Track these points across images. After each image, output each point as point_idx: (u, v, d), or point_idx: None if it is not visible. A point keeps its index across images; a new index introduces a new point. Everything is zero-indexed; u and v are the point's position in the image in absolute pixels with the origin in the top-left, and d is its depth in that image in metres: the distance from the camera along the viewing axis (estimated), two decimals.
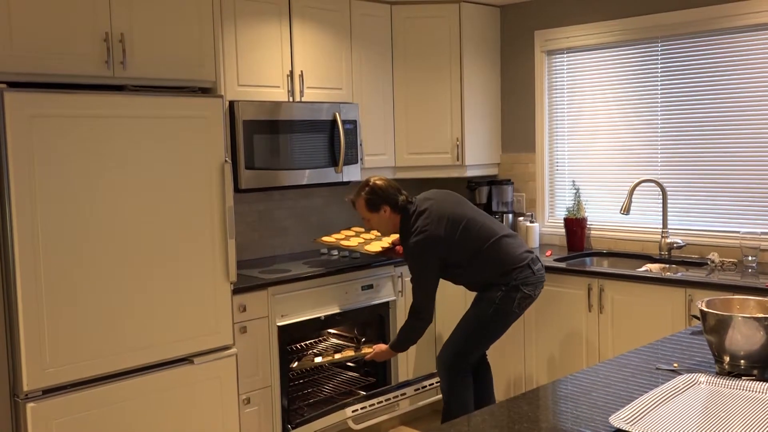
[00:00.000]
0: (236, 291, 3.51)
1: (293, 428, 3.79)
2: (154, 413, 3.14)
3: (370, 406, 3.83)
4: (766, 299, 2.06)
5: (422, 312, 3.59)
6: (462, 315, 3.66)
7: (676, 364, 2.04)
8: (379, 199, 3.65)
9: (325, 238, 4.27)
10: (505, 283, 3.50)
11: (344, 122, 4.19)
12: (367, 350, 3.94)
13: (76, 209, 2.90)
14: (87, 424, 2.95)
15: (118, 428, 3.04)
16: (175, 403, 3.21)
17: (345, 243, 4.19)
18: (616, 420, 1.58)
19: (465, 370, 3.59)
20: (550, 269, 4.02)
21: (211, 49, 3.37)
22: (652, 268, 4.10)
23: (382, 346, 3.87)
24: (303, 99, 4.11)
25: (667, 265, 4.14)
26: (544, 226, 4.86)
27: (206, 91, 3.39)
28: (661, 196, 4.27)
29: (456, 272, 3.62)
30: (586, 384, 1.95)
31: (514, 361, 4.23)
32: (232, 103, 3.78)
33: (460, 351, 3.57)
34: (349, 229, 4.54)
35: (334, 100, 4.26)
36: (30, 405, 2.81)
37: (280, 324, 3.75)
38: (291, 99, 4.06)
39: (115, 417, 3.03)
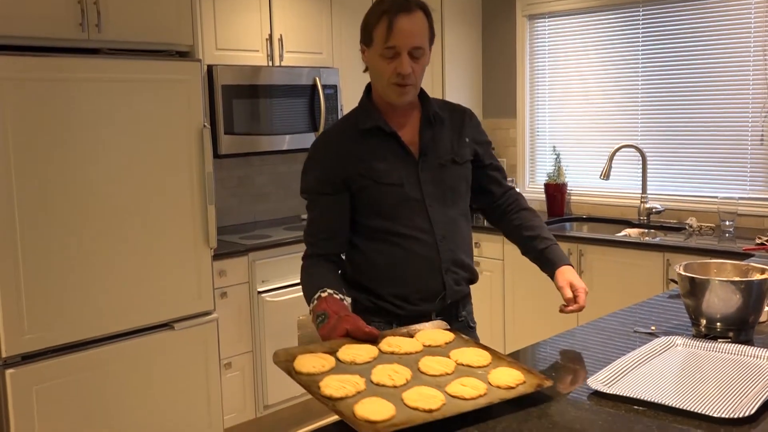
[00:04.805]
0: (216, 257, 3.50)
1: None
2: (135, 378, 3.14)
3: None
4: (742, 263, 2.08)
5: None
6: None
7: (653, 327, 2.06)
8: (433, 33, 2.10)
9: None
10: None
11: (324, 87, 4.15)
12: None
13: (52, 174, 2.86)
14: (68, 390, 2.95)
15: (99, 393, 3.04)
16: (156, 368, 3.20)
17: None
18: (594, 382, 1.60)
19: None
20: None
21: (188, 12, 3.31)
22: (631, 233, 4.13)
23: (575, 288, 2.01)
24: (282, 63, 4.06)
25: (646, 230, 4.17)
26: (524, 192, 4.88)
27: (184, 55, 3.34)
28: (640, 162, 4.29)
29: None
30: (565, 346, 1.97)
31: (494, 325, 4.26)
32: (210, 68, 3.73)
33: None
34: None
35: (314, 64, 4.21)
36: (9, 371, 2.80)
37: (261, 289, 3.74)
38: (270, 63, 4.01)
39: (97, 382, 3.03)
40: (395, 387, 1.48)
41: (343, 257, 2.13)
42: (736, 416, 1.42)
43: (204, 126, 3.29)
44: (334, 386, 1.46)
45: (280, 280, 3.83)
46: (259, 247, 3.75)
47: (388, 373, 1.53)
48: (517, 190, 2.71)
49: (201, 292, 3.34)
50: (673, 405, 1.47)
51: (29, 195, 2.81)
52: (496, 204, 2.25)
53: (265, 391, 3.79)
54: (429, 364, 1.59)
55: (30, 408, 2.84)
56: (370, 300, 2.05)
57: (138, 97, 3.08)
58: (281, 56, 4.06)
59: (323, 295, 1.91)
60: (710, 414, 1.43)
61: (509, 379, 1.50)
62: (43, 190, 2.84)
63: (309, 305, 1.95)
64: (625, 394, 1.54)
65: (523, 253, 2.20)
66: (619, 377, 1.64)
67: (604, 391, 1.57)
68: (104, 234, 3.02)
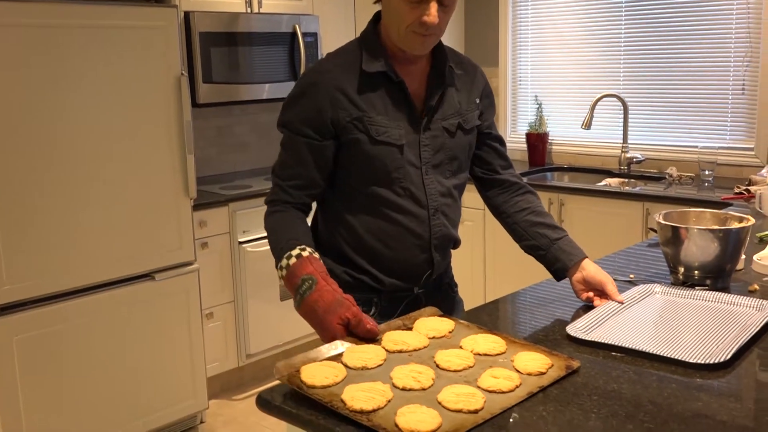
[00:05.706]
0: (197, 207, 3.48)
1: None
2: (117, 329, 3.14)
3: None
4: (721, 212, 2.09)
5: None
6: None
7: (632, 276, 2.08)
8: None
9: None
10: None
11: (304, 35, 4.09)
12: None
13: (27, 125, 2.81)
14: (49, 340, 2.94)
15: (81, 344, 3.03)
16: (137, 319, 3.20)
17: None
18: (572, 329, 1.61)
19: None
20: None
21: None
22: (612, 183, 4.15)
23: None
24: (261, 10, 3.99)
25: (626, 180, 4.19)
26: (506, 141, 4.86)
27: (160, 1, 3.27)
28: (622, 111, 4.28)
29: None
30: (544, 295, 1.98)
31: (475, 275, 4.29)
32: (187, 14, 3.66)
33: None
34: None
35: (293, 11, 4.14)
36: None
37: (242, 240, 3.74)
38: (249, 10, 3.94)
39: (78, 333, 3.02)
40: (424, 389, 1.35)
41: (314, 207, 1.91)
42: (711, 362, 1.44)
43: (182, 74, 3.23)
44: (362, 398, 1.30)
45: (261, 230, 3.80)
46: (239, 198, 3.73)
47: (411, 375, 1.39)
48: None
49: (182, 243, 3.32)
50: (651, 351, 1.50)
51: (4, 146, 2.75)
52: (495, 179, 2.02)
53: (247, 340, 3.82)
54: (447, 359, 1.46)
55: (11, 358, 2.83)
56: (348, 273, 1.85)
57: (113, 45, 3.02)
58: (260, 3, 3.98)
59: (304, 254, 1.67)
60: (686, 360, 1.46)
61: (537, 364, 1.43)
62: (18, 140, 2.79)
63: (281, 259, 1.70)
64: (603, 341, 1.56)
65: (523, 240, 2.01)
66: (598, 324, 1.66)
67: (583, 338, 1.58)
68: (83, 185, 2.98)
